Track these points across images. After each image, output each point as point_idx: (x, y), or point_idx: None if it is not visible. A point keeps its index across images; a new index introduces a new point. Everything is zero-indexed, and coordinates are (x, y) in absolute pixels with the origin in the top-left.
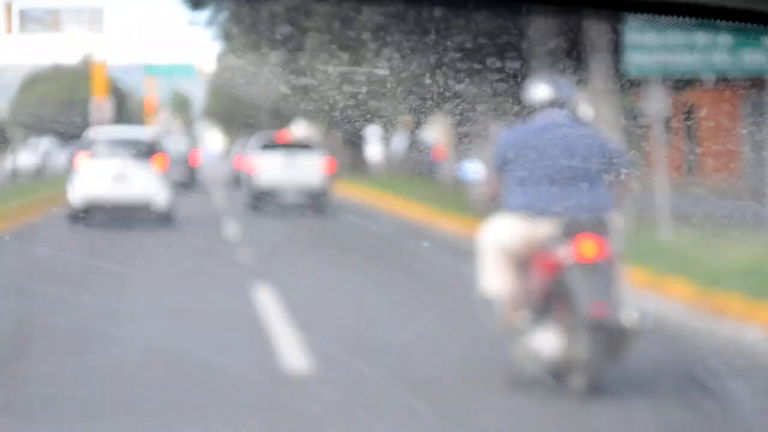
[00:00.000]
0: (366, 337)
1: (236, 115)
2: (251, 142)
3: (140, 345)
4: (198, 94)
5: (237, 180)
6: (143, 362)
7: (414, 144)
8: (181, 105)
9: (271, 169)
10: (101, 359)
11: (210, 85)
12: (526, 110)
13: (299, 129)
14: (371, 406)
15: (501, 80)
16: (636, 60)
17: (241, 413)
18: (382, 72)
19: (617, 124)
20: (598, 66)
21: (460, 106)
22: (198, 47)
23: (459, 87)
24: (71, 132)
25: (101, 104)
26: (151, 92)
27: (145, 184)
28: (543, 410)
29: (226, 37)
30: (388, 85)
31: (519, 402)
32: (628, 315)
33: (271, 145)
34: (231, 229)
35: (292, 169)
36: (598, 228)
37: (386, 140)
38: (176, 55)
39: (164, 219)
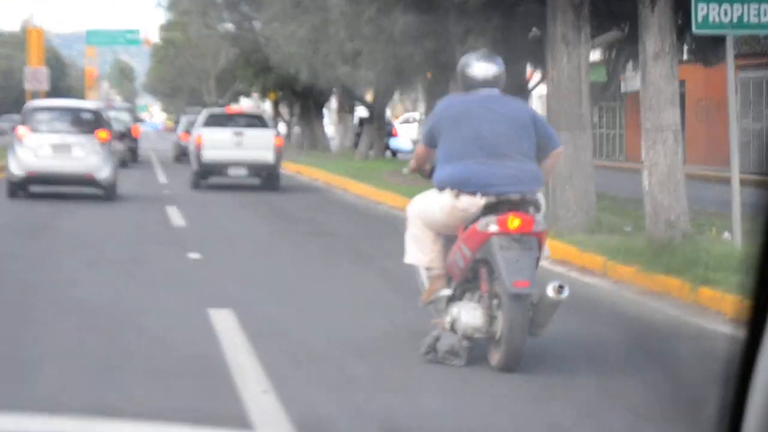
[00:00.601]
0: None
1: (180, 87)
2: (200, 117)
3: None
4: (140, 66)
5: (182, 154)
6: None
7: (374, 120)
8: (122, 76)
9: (219, 144)
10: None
11: (153, 57)
12: (461, 87)
13: (250, 103)
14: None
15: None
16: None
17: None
18: None
19: (667, 93)
20: (654, 19)
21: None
22: (141, 15)
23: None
24: (6, 104)
25: (37, 73)
26: (93, 62)
27: (87, 157)
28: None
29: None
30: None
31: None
32: (549, 288)
33: (220, 120)
34: (172, 209)
35: (241, 144)
36: (525, 204)
37: (346, 116)
38: (119, 22)
39: (107, 193)
